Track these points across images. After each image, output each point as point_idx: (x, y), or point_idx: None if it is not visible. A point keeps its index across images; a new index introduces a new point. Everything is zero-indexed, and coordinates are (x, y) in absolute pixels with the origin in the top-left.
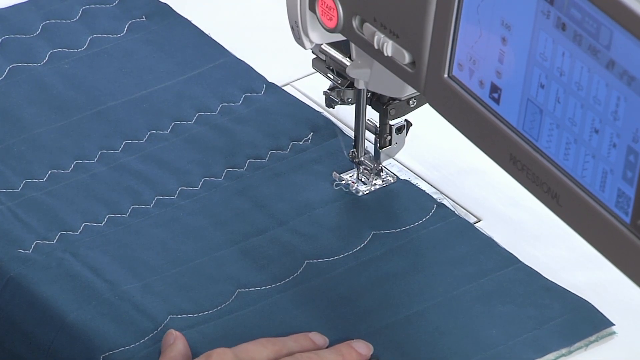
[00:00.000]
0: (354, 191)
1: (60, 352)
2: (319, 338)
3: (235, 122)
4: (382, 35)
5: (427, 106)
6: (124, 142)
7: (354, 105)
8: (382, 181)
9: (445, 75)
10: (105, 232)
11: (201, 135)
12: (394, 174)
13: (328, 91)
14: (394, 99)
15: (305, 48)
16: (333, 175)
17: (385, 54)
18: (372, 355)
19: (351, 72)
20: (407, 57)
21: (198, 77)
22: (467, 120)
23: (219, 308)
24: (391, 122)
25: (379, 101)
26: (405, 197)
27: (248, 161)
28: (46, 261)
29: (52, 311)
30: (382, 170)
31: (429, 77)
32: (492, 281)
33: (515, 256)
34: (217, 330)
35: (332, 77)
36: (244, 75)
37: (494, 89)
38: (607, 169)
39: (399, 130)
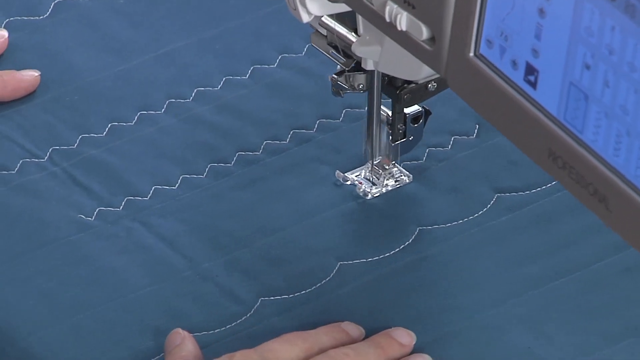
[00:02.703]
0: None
1: (125, 332)
2: (353, 329)
3: (325, 65)
4: (395, 6)
5: (448, 91)
6: (195, 90)
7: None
8: (396, 181)
9: (471, 54)
10: (180, 197)
11: (286, 80)
12: (409, 173)
13: (335, 76)
14: (409, 83)
15: (302, 21)
16: (336, 174)
17: (399, 28)
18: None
19: (357, 50)
20: (425, 32)
21: (278, 13)
22: (497, 108)
23: (317, 286)
24: (406, 110)
25: (391, 85)
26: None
27: (344, 111)
28: (112, 230)
29: (119, 285)
30: (395, 167)
31: (451, 56)
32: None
33: None
34: (315, 314)
35: (334, 56)
36: None
37: (530, 70)
38: None
39: (416, 120)
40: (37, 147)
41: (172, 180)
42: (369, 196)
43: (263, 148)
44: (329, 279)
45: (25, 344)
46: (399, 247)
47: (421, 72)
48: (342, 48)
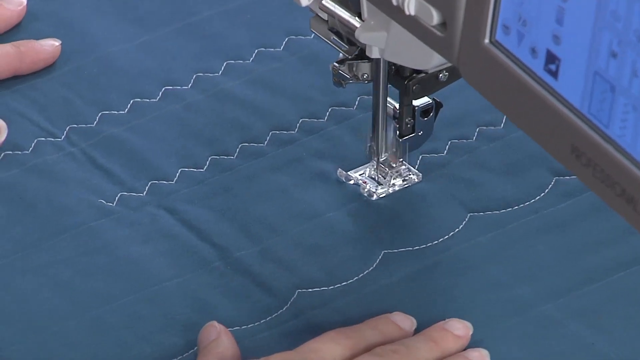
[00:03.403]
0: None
1: (149, 327)
2: (403, 320)
3: None
4: None
5: (461, 81)
6: (224, 63)
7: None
8: (404, 180)
9: (486, 41)
10: (208, 180)
11: (324, 53)
12: (418, 172)
13: (337, 64)
14: (418, 72)
15: (301, 4)
16: (338, 173)
17: (407, 12)
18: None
19: (361, 37)
20: (435, 17)
21: None
22: (514, 100)
23: (359, 276)
24: (415, 103)
25: (398, 75)
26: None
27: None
28: (135, 217)
29: (143, 277)
30: (403, 165)
31: (464, 43)
32: None
33: None
34: (358, 307)
35: (336, 43)
36: None
37: (551, 58)
38: None
39: (425, 113)
40: (53, 125)
41: (199, 162)
42: (374, 196)
43: (299, 126)
44: (372, 269)
45: (41, 339)
46: (448, 235)
47: (431, 61)
48: (345, 34)
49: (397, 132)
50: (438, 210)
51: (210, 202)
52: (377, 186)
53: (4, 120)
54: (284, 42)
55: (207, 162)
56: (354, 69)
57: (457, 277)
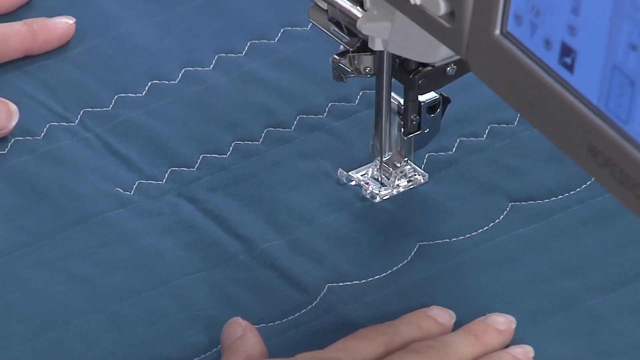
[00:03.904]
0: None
1: (171, 324)
2: (442, 314)
3: None
4: None
5: (470, 75)
6: (248, 43)
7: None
8: (409, 181)
9: (497, 32)
10: (232, 167)
11: None
12: (423, 172)
13: (337, 57)
14: (424, 66)
15: None
16: (337, 174)
17: (412, 2)
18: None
19: (363, 28)
20: (442, 6)
21: None
22: (527, 95)
23: (393, 269)
24: (421, 98)
25: (403, 68)
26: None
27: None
28: (155, 206)
29: (164, 271)
30: (408, 165)
31: (473, 35)
32: None
33: None
34: (392, 302)
35: (336, 34)
36: None
37: (566, 51)
38: None
39: (432, 109)
40: (66, 109)
41: (222, 148)
42: (377, 198)
43: (328, 110)
44: (407, 262)
45: (56, 335)
46: (488, 225)
47: (438, 54)
48: (346, 25)
49: (402, 129)
50: (477, 201)
51: (234, 191)
52: (380, 187)
53: (14, 104)
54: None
55: (231, 148)
56: (356, 62)
57: (497, 270)
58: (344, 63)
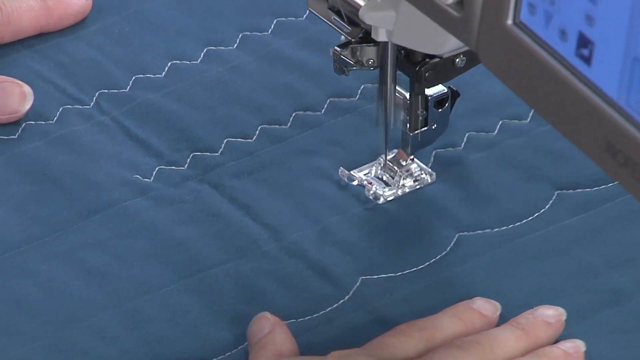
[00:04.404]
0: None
1: (195, 319)
2: (486, 306)
3: None
4: None
5: (480, 67)
6: (274, 20)
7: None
8: (415, 181)
9: (509, 22)
10: (258, 152)
11: None
12: (431, 171)
13: (338, 49)
14: (431, 57)
15: None
16: (339, 173)
17: None
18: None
19: (366, 17)
20: None
21: None
22: (540, 89)
23: (431, 261)
24: (427, 92)
25: (408, 60)
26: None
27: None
28: (176, 194)
29: (187, 262)
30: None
31: (483, 24)
32: None
33: None
34: (429, 295)
35: (337, 24)
36: None
37: (583, 42)
38: None
39: (440, 103)
40: (81, 90)
41: (248, 132)
42: (381, 200)
43: (360, 93)
44: (445, 253)
45: (72, 332)
46: (533, 215)
47: (446, 45)
48: (347, 14)
49: (408, 125)
50: (520, 188)
51: (261, 177)
52: (384, 188)
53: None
54: None
55: (257, 132)
56: (358, 53)
57: (542, 263)
58: (346, 55)
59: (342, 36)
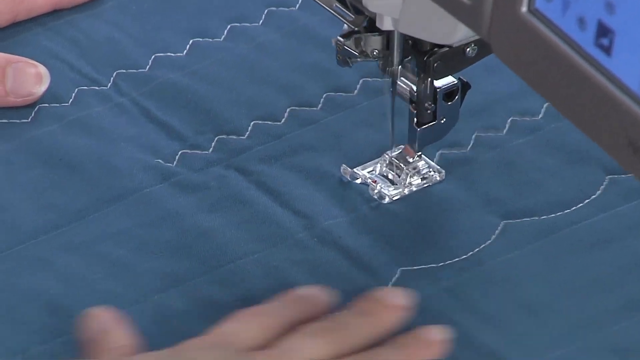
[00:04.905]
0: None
1: (224, 312)
2: (316, 295)
3: None
4: None
5: (491, 57)
6: None
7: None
8: (423, 179)
9: (524, 9)
10: (287, 135)
11: None
12: (440, 169)
13: (341, 39)
14: (439, 47)
15: None
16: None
17: None
18: None
19: (371, 4)
20: None
21: None
22: (557, 81)
23: (475, 251)
24: (436, 84)
25: (416, 50)
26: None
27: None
28: (201, 179)
29: (214, 252)
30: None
31: (496, 12)
32: None
33: None
34: (474, 286)
35: (339, 12)
36: None
37: (603, 31)
38: None
39: (449, 96)
40: (98, 70)
41: (276, 114)
42: (387, 199)
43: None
44: (490, 242)
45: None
46: (583, 202)
47: (456, 34)
48: (351, 2)
49: (415, 119)
50: (568, 173)
51: (291, 162)
52: (389, 187)
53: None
54: None
55: (286, 114)
56: (362, 43)
57: (594, 252)
58: (349, 45)
59: (345, 25)
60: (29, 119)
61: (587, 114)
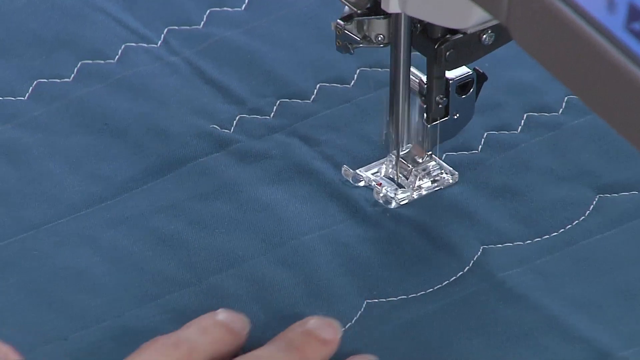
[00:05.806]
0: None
1: (285, 300)
2: (234, 320)
3: None
4: None
5: (511, 44)
6: None
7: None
8: (434, 181)
9: None
10: (357, 99)
11: None
12: (452, 170)
13: (341, 22)
14: (452, 32)
15: None
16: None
17: None
18: None
19: None
20: None
21: None
22: (582, 70)
23: (566, 227)
24: (448, 75)
25: (426, 36)
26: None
27: None
28: (262, 147)
29: (281, 231)
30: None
31: None
32: None
33: None
34: (565, 266)
35: None
36: None
37: (635, 14)
38: None
39: (463, 88)
40: (147, 25)
41: (345, 76)
42: (393, 203)
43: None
44: (583, 218)
45: (142, 311)
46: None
47: (470, 18)
48: None
49: (425, 114)
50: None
51: (361, 129)
52: (396, 189)
53: (82, 19)
54: None
55: (355, 76)
56: (365, 27)
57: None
58: (350, 29)
59: (346, 7)
60: (71, 78)
61: (616, 105)
